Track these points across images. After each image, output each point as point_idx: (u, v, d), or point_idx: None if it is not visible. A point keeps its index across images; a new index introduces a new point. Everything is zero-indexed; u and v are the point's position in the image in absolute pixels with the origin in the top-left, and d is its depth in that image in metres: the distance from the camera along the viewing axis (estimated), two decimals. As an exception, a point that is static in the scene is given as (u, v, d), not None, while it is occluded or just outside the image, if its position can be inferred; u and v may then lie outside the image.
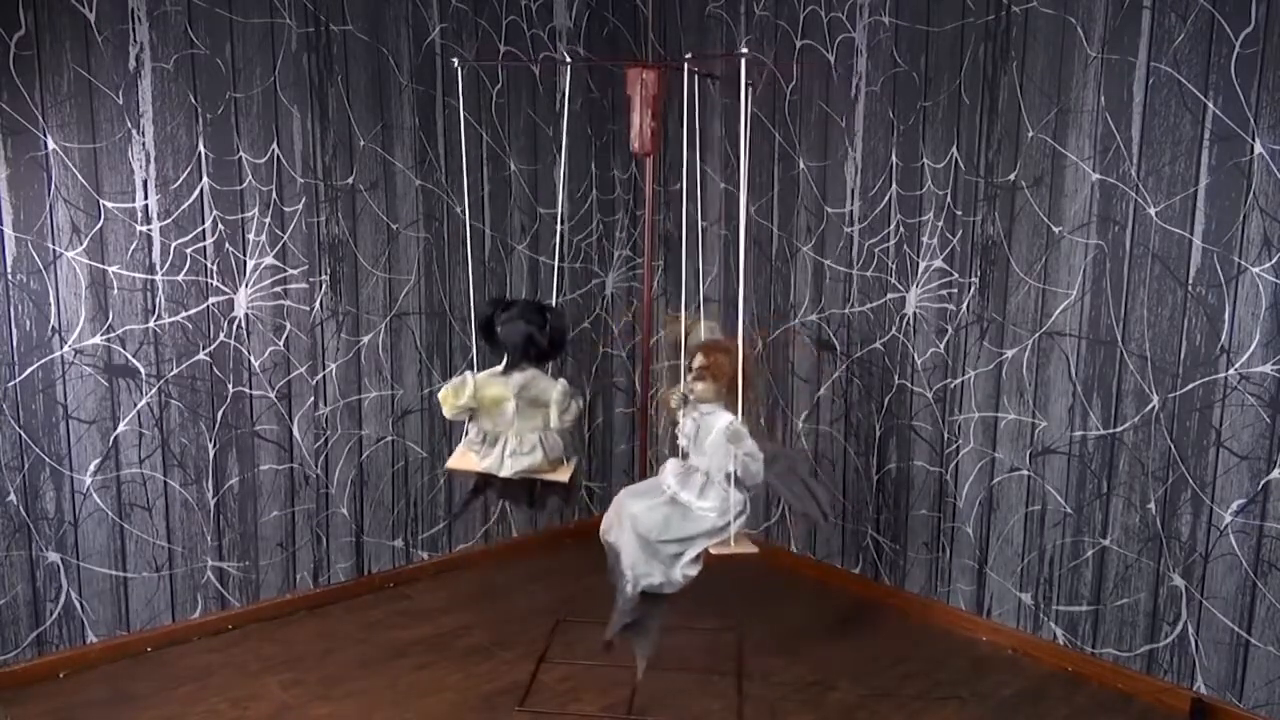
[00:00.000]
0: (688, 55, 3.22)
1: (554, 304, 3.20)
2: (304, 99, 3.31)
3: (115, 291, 3.02)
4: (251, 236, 3.26)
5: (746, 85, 3.60)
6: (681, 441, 2.84)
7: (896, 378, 3.53)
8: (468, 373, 2.87)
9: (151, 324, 3.10)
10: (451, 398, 2.84)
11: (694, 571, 2.67)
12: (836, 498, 3.32)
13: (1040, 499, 3.20)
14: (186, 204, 3.12)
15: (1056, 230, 3.06)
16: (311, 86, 3.33)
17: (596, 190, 4.13)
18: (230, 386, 3.29)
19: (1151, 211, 2.86)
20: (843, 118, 3.57)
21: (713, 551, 2.66)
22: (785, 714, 2.89)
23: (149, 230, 3.06)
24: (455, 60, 3.44)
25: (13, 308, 2.86)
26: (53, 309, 2.93)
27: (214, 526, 3.32)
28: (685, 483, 2.72)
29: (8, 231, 2.82)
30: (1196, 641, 2.90)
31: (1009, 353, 3.22)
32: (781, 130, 3.78)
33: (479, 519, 3.99)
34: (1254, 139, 2.64)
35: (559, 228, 4.03)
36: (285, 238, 3.33)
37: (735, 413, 2.67)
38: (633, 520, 2.66)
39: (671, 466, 2.79)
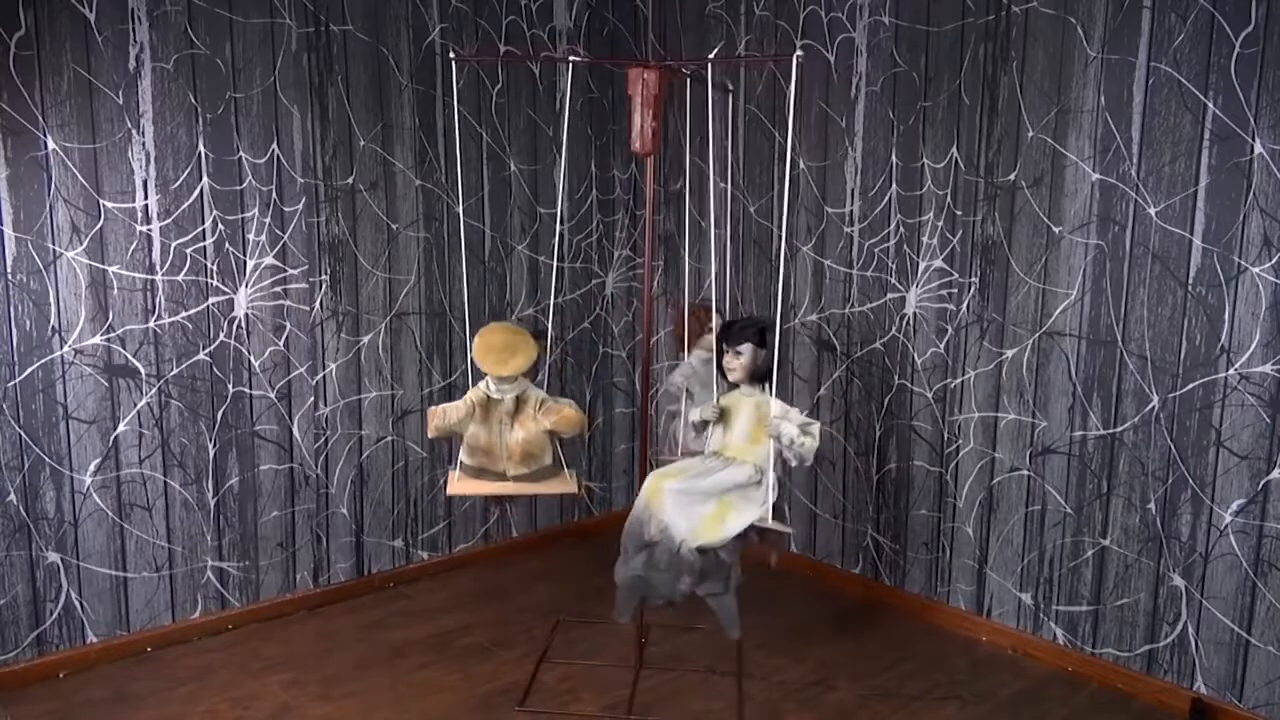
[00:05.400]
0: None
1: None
2: (304, 99, 3.31)
3: (115, 291, 3.02)
4: (251, 236, 3.26)
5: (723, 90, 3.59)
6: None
7: (896, 378, 3.53)
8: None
9: (151, 324, 3.10)
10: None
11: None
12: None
13: (1040, 499, 3.20)
14: (186, 204, 3.12)
15: (1056, 230, 3.06)
16: (311, 86, 3.33)
17: (596, 190, 4.13)
18: (230, 386, 3.29)
19: (1151, 211, 2.86)
20: (842, 118, 3.57)
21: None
22: (785, 714, 2.89)
23: (149, 230, 3.06)
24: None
25: (13, 308, 2.86)
26: (53, 309, 2.93)
27: (214, 526, 3.32)
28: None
29: (8, 231, 2.82)
30: (1196, 641, 2.90)
31: (1009, 353, 3.22)
32: (781, 130, 3.78)
33: (479, 519, 4.00)
34: (1254, 139, 2.64)
35: (559, 228, 4.03)
36: (285, 238, 3.33)
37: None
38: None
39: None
